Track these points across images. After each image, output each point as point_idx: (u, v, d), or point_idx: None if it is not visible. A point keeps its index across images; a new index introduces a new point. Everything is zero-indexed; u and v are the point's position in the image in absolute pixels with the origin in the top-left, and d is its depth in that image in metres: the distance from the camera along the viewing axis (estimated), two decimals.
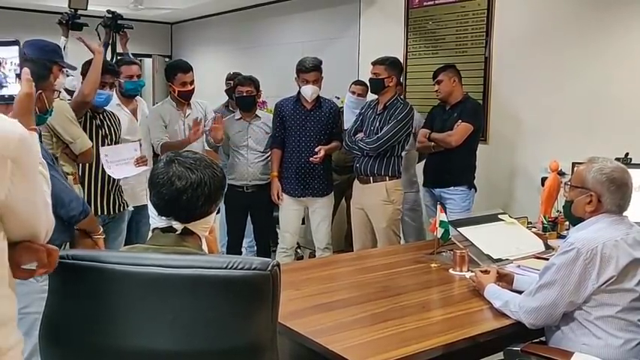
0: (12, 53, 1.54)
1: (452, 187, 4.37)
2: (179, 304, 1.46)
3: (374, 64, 4.22)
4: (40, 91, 2.11)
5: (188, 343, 1.46)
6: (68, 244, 2.62)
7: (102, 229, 2.82)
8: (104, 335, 1.50)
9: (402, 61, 4.62)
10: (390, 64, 4.18)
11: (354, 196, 4.45)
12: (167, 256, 1.54)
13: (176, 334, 1.46)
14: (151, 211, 1.72)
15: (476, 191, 4.45)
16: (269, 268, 1.47)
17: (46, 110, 2.49)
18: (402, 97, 4.23)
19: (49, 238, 1.39)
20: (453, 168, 4.34)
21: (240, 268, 1.45)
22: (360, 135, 4.22)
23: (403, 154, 4.34)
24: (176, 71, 4.34)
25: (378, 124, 4.15)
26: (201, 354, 1.46)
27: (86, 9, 4.73)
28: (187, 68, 4.35)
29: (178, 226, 1.68)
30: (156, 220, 1.71)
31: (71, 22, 4.64)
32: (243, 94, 4.58)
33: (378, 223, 4.18)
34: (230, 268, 1.45)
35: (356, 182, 4.38)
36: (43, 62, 2.52)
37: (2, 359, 1.26)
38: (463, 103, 4.39)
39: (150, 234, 1.77)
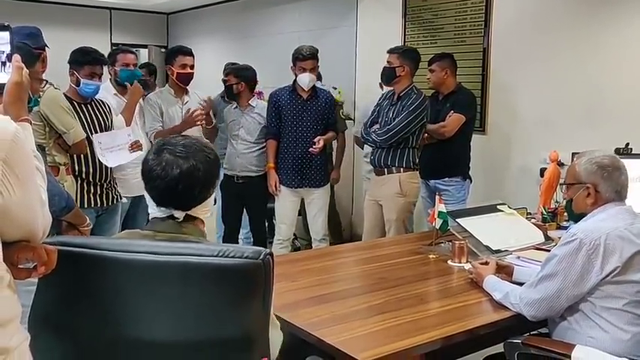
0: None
1: (447, 178, 4.35)
2: (169, 292, 1.44)
3: (388, 52, 4.13)
4: None
5: (178, 331, 1.43)
6: (55, 236, 2.57)
7: (88, 220, 2.76)
8: (92, 323, 1.47)
9: None
10: (402, 53, 4.10)
11: (370, 188, 4.40)
12: (158, 244, 1.51)
13: (166, 322, 1.44)
14: (149, 201, 1.68)
15: (471, 182, 4.43)
16: (261, 256, 1.44)
17: (31, 99, 2.43)
18: (416, 87, 4.12)
19: (46, 235, 1.35)
20: (447, 159, 4.31)
21: (232, 257, 1.43)
22: (376, 127, 4.16)
23: None
24: (177, 53, 4.34)
25: (392, 114, 4.07)
26: (192, 343, 1.43)
27: None
28: (189, 52, 4.36)
29: (179, 214, 1.65)
30: (155, 211, 1.67)
31: None
32: (226, 84, 4.66)
33: (389, 214, 4.11)
34: (222, 256, 1.42)
35: (372, 174, 4.33)
36: (28, 49, 2.45)
37: (9, 358, 1.23)
38: (456, 94, 4.36)
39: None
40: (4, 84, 1.43)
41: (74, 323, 1.49)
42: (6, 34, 1.48)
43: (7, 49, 1.47)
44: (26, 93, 1.48)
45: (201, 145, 1.69)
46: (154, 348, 1.44)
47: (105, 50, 4.25)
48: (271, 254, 1.47)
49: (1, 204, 1.18)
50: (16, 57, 1.44)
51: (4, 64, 1.46)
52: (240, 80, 4.54)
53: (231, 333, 1.43)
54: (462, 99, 4.33)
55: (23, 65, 1.45)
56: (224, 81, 4.79)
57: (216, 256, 1.42)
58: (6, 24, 1.50)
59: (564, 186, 2.45)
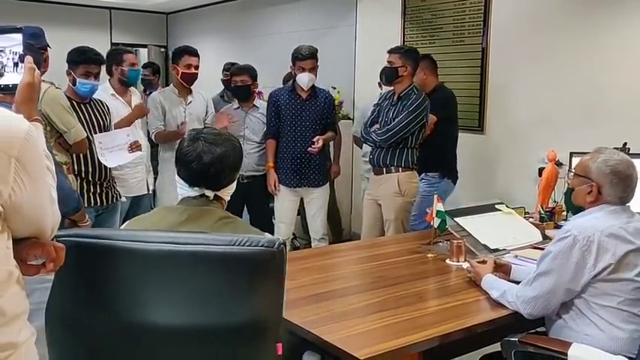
0: (11, 42, 1.51)
1: (423, 174, 4.40)
2: (184, 281, 1.48)
3: (389, 52, 4.13)
4: None
5: (194, 319, 1.47)
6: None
7: (87, 217, 2.81)
8: (105, 313, 1.50)
9: None
10: (405, 52, 4.10)
11: (369, 187, 4.42)
12: (172, 234, 1.56)
13: (182, 310, 1.48)
14: (179, 181, 1.93)
15: (454, 182, 4.49)
16: (276, 245, 1.50)
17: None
18: (416, 87, 4.13)
19: (55, 233, 1.37)
20: (424, 158, 4.32)
21: (248, 245, 1.48)
22: (376, 127, 4.17)
23: None
24: (183, 53, 4.40)
25: (392, 114, 4.08)
26: (207, 330, 1.47)
27: None
28: (195, 52, 4.43)
29: (210, 193, 1.91)
30: (186, 191, 1.92)
31: None
32: (237, 84, 4.58)
33: (388, 214, 4.12)
34: (237, 245, 1.48)
35: (371, 174, 4.36)
36: (37, 49, 2.47)
37: (16, 353, 1.25)
38: (435, 93, 4.41)
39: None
40: (17, 84, 1.46)
41: (87, 314, 1.52)
42: (18, 36, 1.51)
43: (20, 50, 1.51)
44: (37, 93, 1.51)
45: (228, 135, 2.02)
46: (169, 336, 1.47)
47: (105, 50, 4.27)
48: (284, 243, 1.53)
49: (13, 201, 1.20)
50: (29, 58, 1.48)
51: (16, 65, 1.50)
52: (254, 80, 4.58)
53: (247, 320, 1.48)
54: (438, 99, 4.36)
55: (35, 67, 1.48)
56: (224, 81, 4.80)
57: (232, 245, 1.48)
58: (19, 26, 1.53)
59: (571, 173, 2.46)
